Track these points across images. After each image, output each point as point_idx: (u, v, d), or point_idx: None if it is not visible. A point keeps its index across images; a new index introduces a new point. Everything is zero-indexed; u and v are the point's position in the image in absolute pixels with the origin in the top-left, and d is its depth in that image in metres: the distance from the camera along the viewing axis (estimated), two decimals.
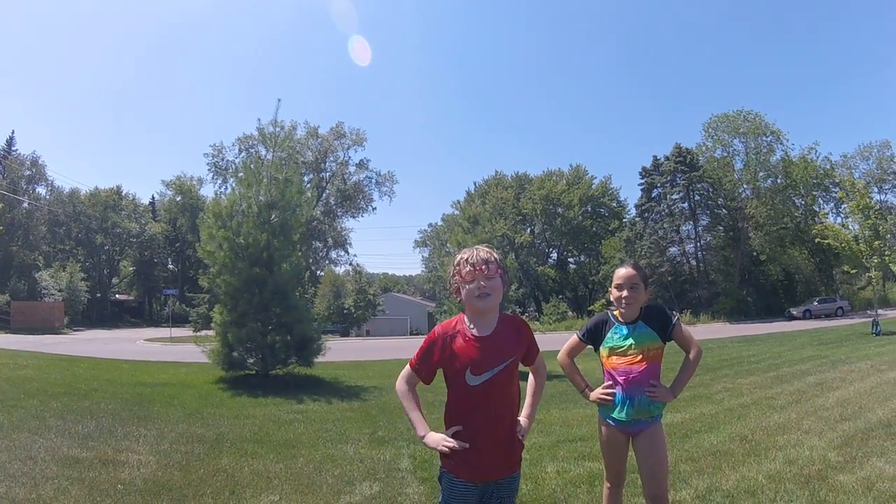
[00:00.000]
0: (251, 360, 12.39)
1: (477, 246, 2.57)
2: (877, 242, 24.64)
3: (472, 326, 2.48)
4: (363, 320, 49.14)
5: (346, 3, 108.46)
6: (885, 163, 58.46)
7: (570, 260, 71.68)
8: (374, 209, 69.00)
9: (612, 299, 3.37)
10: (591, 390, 3.35)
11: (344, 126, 66.82)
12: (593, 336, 3.35)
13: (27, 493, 4.37)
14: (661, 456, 3.20)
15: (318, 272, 57.30)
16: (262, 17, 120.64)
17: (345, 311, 48.09)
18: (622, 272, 3.31)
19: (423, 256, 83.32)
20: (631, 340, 3.24)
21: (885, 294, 44.52)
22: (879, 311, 26.28)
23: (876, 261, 24.54)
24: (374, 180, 68.63)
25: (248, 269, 11.99)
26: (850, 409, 7.58)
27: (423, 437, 2.44)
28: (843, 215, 47.20)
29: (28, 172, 61.97)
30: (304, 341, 12.60)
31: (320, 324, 15.97)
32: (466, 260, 2.48)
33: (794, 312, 42.03)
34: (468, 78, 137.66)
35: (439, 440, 2.38)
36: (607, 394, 3.25)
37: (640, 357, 3.22)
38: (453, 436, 2.40)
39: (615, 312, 3.34)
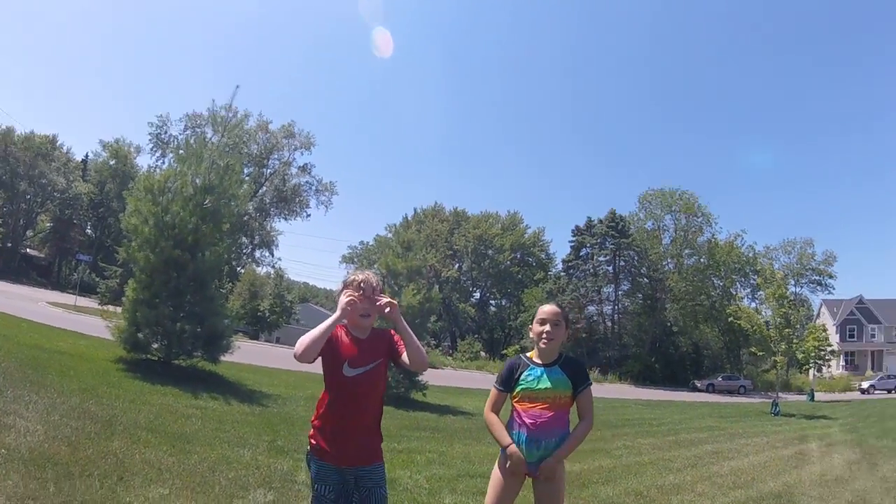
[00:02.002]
0: (155, 346, 11.81)
1: (365, 270, 3.08)
2: (787, 330, 25.99)
3: (353, 330, 2.92)
4: (276, 326, 47.87)
5: None
6: (805, 259, 61.77)
7: (492, 302, 72.31)
8: (308, 216, 67.89)
9: (532, 335, 3.37)
10: (514, 449, 3.18)
11: (295, 126, 65.96)
12: (508, 383, 3.32)
13: None
14: (559, 495, 3.25)
15: (239, 269, 55.75)
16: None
17: (259, 314, 46.70)
18: (547, 308, 3.36)
19: (347, 272, 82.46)
20: (546, 384, 3.22)
21: (788, 379, 46.71)
22: (781, 395, 27.60)
23: (783, 346, 25.94)
24: (314, 187, 67.56)
25: (170, 250, 11.47)
26: (744, 479, 7.85)
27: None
28: (758, 301, 49.87)
29: None
30: (214, 336, 12.08)
31: (233, 321, 15.46)
32: (353, 283, 2.90)
33: (698, 384, 43.77)
34: (429, 107, 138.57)
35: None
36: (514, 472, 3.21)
37: (548, 404, 3.22)
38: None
39: (529, 355, 3.38)
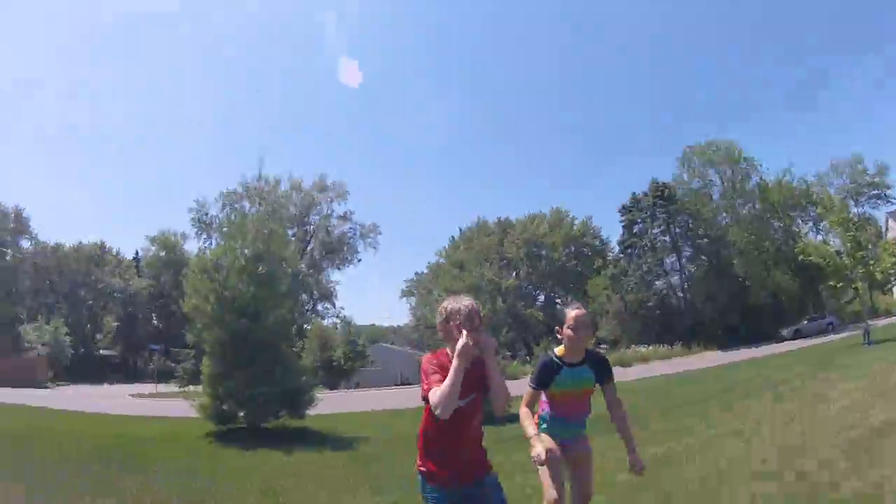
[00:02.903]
0: (241, 414, 12.21)
1: (461, 297, 3.10)
2: (859, 253, 24.86)
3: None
4: (353, 372, 48.54)
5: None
6: (858, 176, 59.46)
7: (557, 301, 71.74)
8: (360, 260, 68.63)
9: (563, 338, 3.68)
10: (539, 436, 3.50)
11: (326, 179, 67.02)
12: (544, 383, 3.69)
13: None
14: (591, 466, 3.95)
15: (305, 326, 56.85)
16: (237, 67, 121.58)
17: (333, 364, 47.42)
18: (577, 314, 3.69)
19: (409, 306, 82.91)
20: (577, 385, 3.70)
21: (874, 304, 44.74)
22: (870, 322, 26.23)
23: (861, 271, 24.75)
24: (357, 232, 68.11)
25: (235, 322, 11.90)
26: (850, 419, 7.51)
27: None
28: (822, 232, 48.25)
29: (12, 225, 61.51)
30: (294, 393, 12.46)
31: (310, 375, 15.81)
32: (460, 313, 2.95)
33: (785, 333, 41.60)
34: (442, 130, 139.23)
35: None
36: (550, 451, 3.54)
37: (576, 397, 3.74)
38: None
39: (558, 353, 3.73)
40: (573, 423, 3.77)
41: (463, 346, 2.78)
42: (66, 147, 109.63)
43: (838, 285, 27.48)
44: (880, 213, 61.03)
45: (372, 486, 6.71)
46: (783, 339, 40.57)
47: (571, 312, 3.68)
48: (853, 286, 26.46)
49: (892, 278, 27.90)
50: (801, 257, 28.26)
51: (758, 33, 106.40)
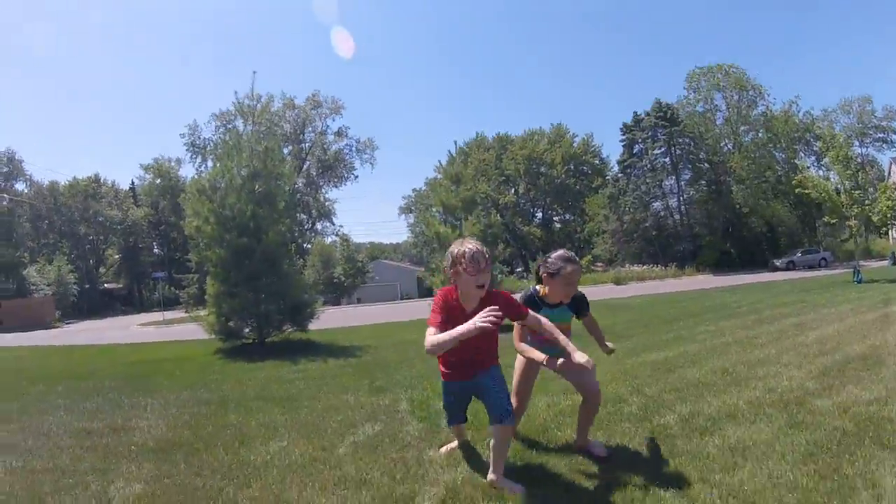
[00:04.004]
0: (247, 330, 12.68)
1: (466, 240, 3.48)
2: (857, 192, 24.92)
3: (463, 301, 3.47)
4: (354, 288, 49.45)
5: None
6: (865, 117, 59.23)
7: (556, 218, 72.08)
8: (356, 177, 69.08)
9: (549, 286, 3.89)
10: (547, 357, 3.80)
11: (320, 94, 66.49)
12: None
13: (45, 464, 4.51)
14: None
15: (306, 245, 57.28)
16: None
17: (335, 281, 48.27)
18: (572, 269, 3.83)
19: (408, 222, 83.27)
20: (557, 318, 3.88)
21: (868, 246, 45.17)
22: (862, 263, 26.68)
23: (856, 210, 24.84)
24: (354, 148, 68.26)
25: (236, 240, 12.12)
26: (829, 346, 7.77)
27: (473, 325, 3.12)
28: (824, 168, 47.88)
29: (5, 169, 61.31)
30: (298, 307, 12.90)
31: (312, 290, 16.21)
32: (465, 256, 3.35)
33: (778, 263, 42.73)
34: (446, 38, 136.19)
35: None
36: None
37: (560, 328, 3.79)
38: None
39: (541, 292, 3.95)
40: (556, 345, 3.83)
41: (474, 327, 3.09)
42: (52, 80, 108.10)
43: (833, 221, 27.53)
44: (885, 157, 61.27)
45: (371, 387, 7.06)
46: (776, 269, 41.57)
47: (567, 268, 3.81)
48: (848, 224, 26.47)
49: (889, 222, 28.01)
50: (798, 189, 28.17)
51: None
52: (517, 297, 3.93)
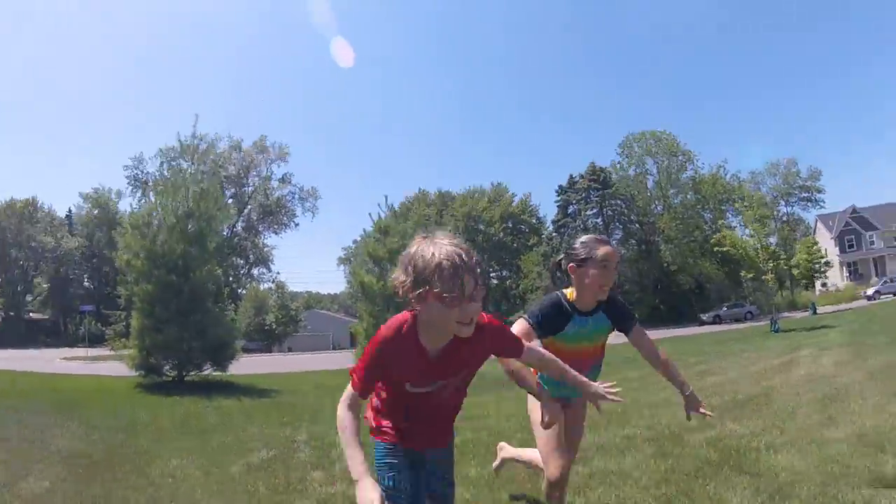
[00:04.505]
0: (167, 367, 12.89)
1: (439, 238, 1.91)
2: (772, 248, 26.94)
3: (426, 341, 2.01)
4: (285, 336, 49.16)
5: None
6: (791, 178, 62.74)
7: (493, 275, 73.12)
8: (297, 225, 68.38)
9: (587, 283, 2.78)
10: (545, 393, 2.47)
11: (267, 140, 66.40)
12: (551, 328, 2.85)
13: None
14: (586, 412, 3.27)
15: (240, 290, 56.61)
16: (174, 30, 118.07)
17: (266, 328, 47.96)
18: (609, 250, 2.80)
19: (346, 273, 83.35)
20: (594, 334, 2.97)
21: (794, 298, 47.47)
22: (786, 314, 28.28)
23: (772, 265, 26.78)
24: (297, 195, 67.92)
25: (164, 277, 12.47)
26: (725, 388, 8.41)
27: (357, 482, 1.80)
28: (743, 226, 50.85)
29: None
30: (219, 346, 13.17)
31: (237, 331, 16.46)
32: (441, 268, 1.79)
33: (705, 318, 44.37)
34: (392, 95, 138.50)
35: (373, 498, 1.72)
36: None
37: (593, 351, 3.06)
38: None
39: (568, 296, 2.89)
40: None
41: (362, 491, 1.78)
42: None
43: (750, 275, 29.40)
44: (811, 216, 65.43)
45: (278, 422, 7.51)
46: (703, 323, 43.18)
47: (601, 250, 2.78)
48: (764, 277, 28.36)
49: (808, 274, 30.12)
50: (715, 248, 30.12)
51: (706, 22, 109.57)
52: (527, 315, 2.88)
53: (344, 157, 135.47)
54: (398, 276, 1.92)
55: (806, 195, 63.44)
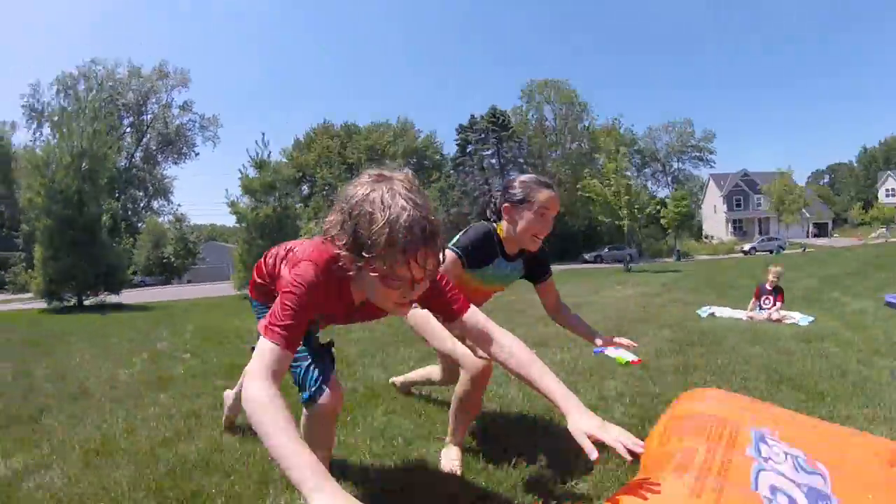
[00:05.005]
0: (68, 294, 14.91)
1: (396, 183, 1.50)
2: (626, 197, 30.56)
3: (355, 294, 1.77)
4: (184, 269, 49.38)
5: None
6: (685, 137, 68.11)
7: None
8: (197, 154, 67.86)
9: (520, 229, 2.53)
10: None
11: (168, 66, 64.55)
12: (477, 262, 2.59)
13: None
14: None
15: (140, 223, 55.76)
16: None
17: (165, 261, 48.12)
18: (551, 195, 2.52)
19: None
20: (506, 280, 2.80)
21: (683, 247, 51.66)
22: (667, 259, 31.90)
23: (626, 212, 30.54)
24: (197, 124, 66.86)
25: (61, 211, 14.31)
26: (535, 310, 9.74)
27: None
28: (643, 177, 56.38)
29: None
30: (112, 270, 15.38)
31: (126, 258, 18.13)
32: (407, 245, 1.42)
33: (587, 257, 48.18)
34: (310, 17, 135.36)
35: None
36: None
37: (490, 294, 2.91)
38: None
39: (499, 233, 2.63)
40: None
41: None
42: None
43: (607, 220, 33.25)
44: (703, 173, 72.61)
45: (153, 330, 9.33)
46: (585, 262, 46.72)
47: (545, 193, 2.50)
48: (619, 223, 32.16)
49: (676, 225, 34.10)
50: (579, 192, 33.73)
51: None
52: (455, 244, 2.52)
53: (247, 83, 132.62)
54: (332, 226, 1.53)
55: (698, 154, 68.98)
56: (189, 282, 48.00)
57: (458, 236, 2.58)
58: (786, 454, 1.67)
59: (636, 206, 31.48)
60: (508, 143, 57.43)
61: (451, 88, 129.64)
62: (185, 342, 7.59)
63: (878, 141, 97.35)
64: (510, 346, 1.82)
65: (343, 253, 1.50)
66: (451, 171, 59.09)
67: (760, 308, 8.17)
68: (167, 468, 2.72)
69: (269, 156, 17.68)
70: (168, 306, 15.47)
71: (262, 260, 2.30)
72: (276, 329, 1.52)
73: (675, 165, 73.18)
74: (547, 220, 2.51)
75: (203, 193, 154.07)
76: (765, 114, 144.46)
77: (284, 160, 68.19)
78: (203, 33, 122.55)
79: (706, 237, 63.67)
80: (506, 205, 2.54)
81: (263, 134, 18.18)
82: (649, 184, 72.00)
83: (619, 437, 1.50)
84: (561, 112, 59.66)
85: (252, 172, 17.46)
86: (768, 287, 8.24)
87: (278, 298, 1.59)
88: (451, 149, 63.87)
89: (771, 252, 44.48)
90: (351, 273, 1.54)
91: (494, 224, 2.64)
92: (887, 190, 69.03)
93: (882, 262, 16.67)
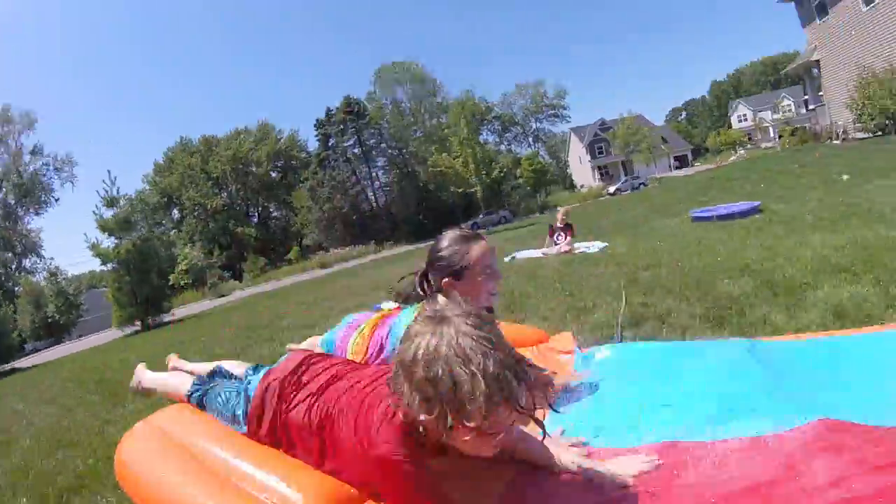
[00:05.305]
0: None
1: (492, 342, 1.39)
2: (472, 166, 33.83)
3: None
4: (70, 324, 46.61)
5: None
6: (538, 98, 71.79)
7: (275, 215, 73.56)
8: (57, 200, 63.37)
9: (474, 295, 2.27)
10: None
11: (11, 109, 60.00)
12: None
13: None
14: None
15: (15, 287, 52.49)
16: None
17: (49, 321, 45.54)
18: (482, 247, 2.36)
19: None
20: None
21: (554, 200, 54.74)
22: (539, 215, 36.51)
23: (477, 181, 33.64)
24: (52, 167, 62.71)
25: None
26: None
27: None
28: (507, 143, 65.37)
29: None
30: None
31: (4, 323, 18.84)
32: (500, 394, 1.34)
33: (463, 226, 50.40)
34: (143, 34, 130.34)
35: None
36: None
37: None
38: None
39: None
40: None
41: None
42: None
43: (460, 190, 36.36)
44: (563, 129, 76.88)
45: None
46: None
47: (476, 247, 2.33)
48: (472, 190, 35.33)
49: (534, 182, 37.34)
50: (430, 168, 36.77)
51: None
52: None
53: (96, 112, 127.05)
54: (412, 404, 1.39)
55: (553, 112, 73.18)
56: (80, 336, 45.47)
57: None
58: None
59: (484, 173, 34.66)
60: (368, 130, 59.44)
61: (306, 85, 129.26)
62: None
63: (726, 74, 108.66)
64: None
65: (428, 421, 1.36)
66: (318, 169, 59.80)
67: (555, 244, 9.86)
68: None
69: (118, 191, 18.43)
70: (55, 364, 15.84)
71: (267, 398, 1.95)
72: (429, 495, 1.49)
73: (534, 125, 77.12)
74: (494, 271, 2.34)
75: (71, 239, 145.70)
76: (618, 67, 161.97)
77: (147, 187, 66.62)
78: (37, 64, 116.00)
79: (580, 187, 67.58)
80: (446, 280, 2.30)
81: (109, 171, 18.73)
82: (513, 147, 76.13)
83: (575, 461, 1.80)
84: (414, 92, 61.88)
85: (106, 212, 18.16)
86: (559, 225, 10.11)
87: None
88: (315, 145, 64.27)
89: (635, 189, 47.08)
90: (435, 438, 1.44)
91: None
92: (739, 116, 74.94)
93: (715, 183, 18.71)
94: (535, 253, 10.16)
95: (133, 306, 19.01)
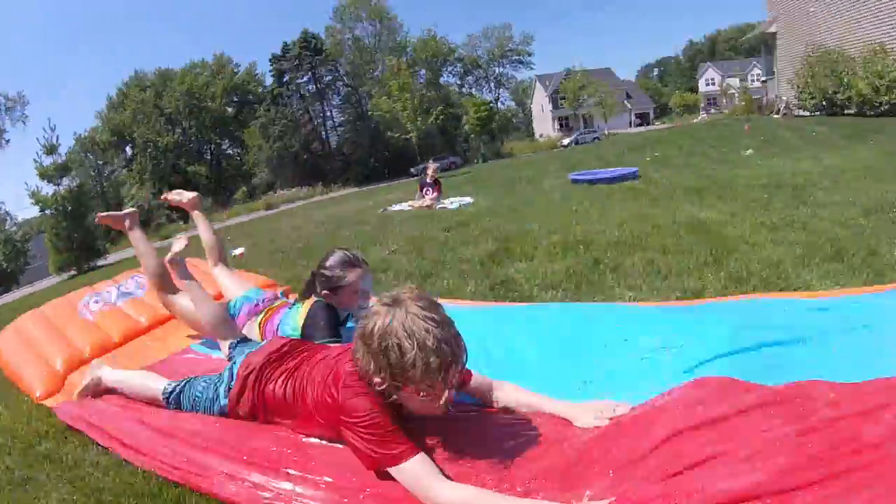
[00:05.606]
0: None
1: (436, 321, 1.67)
2: (406, 112, 35.54)
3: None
4: (19, 272, 45.16)
5: None
6: (504, 42, 70.23)
7: (229, 153, 70.88)
8: (8, 141, 56.76)
9: (344, 306, 2.90)
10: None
11: None
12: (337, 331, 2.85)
13: None
14: None
15: None
16: None
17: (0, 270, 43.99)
18: (358, 274, 2.86)
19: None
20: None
21: (499, 147, 55.29)
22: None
23: (413, 127, 35.48)
24: (2, 106, 56.66)
25: None
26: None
27: None
28: (466, 86, 64.91)
29: None
30: None
31: None
32: (438, 365, 1.64)
33: (413, 171, 49.27)
34: None
35: None
36: None
37: None
38: None
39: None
40: None
41: None
42: None
43: (399, 135, 35.66)
44: (525, 75, 75.90)
45: None
46: (412, 175, 48.13)
47: (352, 273, 2.83)
48: (409, 135, 34.64)
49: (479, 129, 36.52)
50: (371, 113, 35.85)
51: None
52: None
53: (52, 46, 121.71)
54: (367, 368, 1.71)
55: (517, 58, 71.47)
56: (31, 283, 44.16)
57: (313, 320, 2.77)
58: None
59: (419, 120, 33.79)
60: (324, 67, 57.12)
61: (267, 17, 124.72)
62: None
63: (703, 35, 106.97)
64: (508, 391, 2.06)
65: (384, 385, 1.70)
66: (270, 105, 57.90)
67: (423, 198, 10.86)
68: None
69: (57, 139, 18.67)
70: None
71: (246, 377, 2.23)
72: (395, 449, 1.67)
73: (497, 70, 74.89)
74: (364, 292, 2.86)
75: (22, 182, 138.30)
76: (595, 18, 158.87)
77: (99, 124, 63.75)
78: None
79: (540, 136, 66.35)
80: (325, 292, 2.83)
81: (49, 119, 18.74)
82: (473, 91, 73.61)
83: (606, 415, 1.82)
84: (374, 29, 59.77)
85: (46, 160, 18.33)
86: (428, 181, 11.05)
87: (361, 436, 1.73)
88: (271, 81, 61.82)
89: (587, 143, 45.92)
90: (394, 396, 1.74)
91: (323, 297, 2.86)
92: (707, 80, 74.35)
93: (648, 144, 18.89)
94: (405, 206, 11.04)
95: (69, 251, 19.75)
